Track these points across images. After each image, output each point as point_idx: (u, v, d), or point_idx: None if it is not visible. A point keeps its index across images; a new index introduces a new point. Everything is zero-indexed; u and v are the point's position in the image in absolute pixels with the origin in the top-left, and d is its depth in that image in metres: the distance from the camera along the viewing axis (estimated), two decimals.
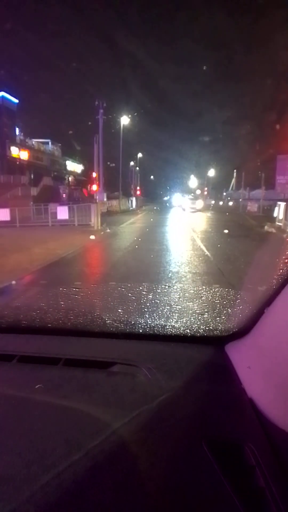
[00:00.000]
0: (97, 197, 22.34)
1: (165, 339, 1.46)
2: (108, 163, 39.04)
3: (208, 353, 1.33)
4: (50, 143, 49.76)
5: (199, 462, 0.81)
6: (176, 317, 1.74)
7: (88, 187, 40.24)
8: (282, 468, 0.81)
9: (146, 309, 1.89)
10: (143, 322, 1.56)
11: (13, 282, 5.75)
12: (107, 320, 1.61)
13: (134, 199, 47.14)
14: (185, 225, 19.94)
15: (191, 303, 2.09)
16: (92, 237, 13.86)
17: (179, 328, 1.52)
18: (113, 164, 41.71)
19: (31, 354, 1.34)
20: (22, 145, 41.53)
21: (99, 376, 1.18)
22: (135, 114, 40.04)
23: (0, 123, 36.91)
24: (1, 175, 34.45)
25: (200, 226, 19.54)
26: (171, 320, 1.66)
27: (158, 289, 2.46)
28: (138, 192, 54.69)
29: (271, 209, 21.15)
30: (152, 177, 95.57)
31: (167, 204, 52.14)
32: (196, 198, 42.25)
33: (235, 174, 35.15)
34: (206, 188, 54.60)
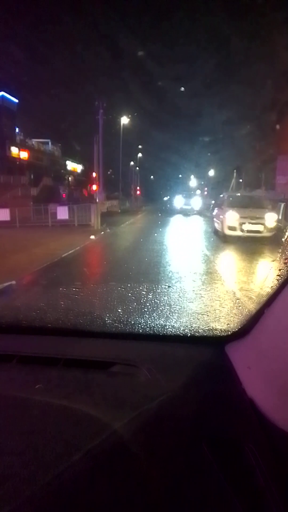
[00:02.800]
0: (97, 197, 22.33)
1: (165, 339, 1.46)
2: (109, 172, 36.77)
3: (208, 353, 1.33)
4: (50, 143, 49.76)
5: (199, 462, 0.81)
6: (176, 317, 1.74)
7: (88, 187, 40.17)
8: (282, 468, 0.81)
9: (146, 309, 1.89)
10: (143, 322, 1.56)
11: (13, 282, 5.75)
12: (107, 320, 1.61)
13: (134, 199, 47.03)
14: (184, 223, 19.90)
15: (191, 303, 2.09)
16: (92, 237, 13.85)
17: (179, 328, 1.52)
18: (111, 170, 39.65)
19: (31, 354, 1.34)
20: (22, 145, 41.50)
21: (99, 376, 1.18)
22: (135, 114, 39.63)
23: (0, 123, 36.89)
24: (1, 175, 34.40)
25: (198, 224, 19.53)
26: (171, 320, 1.66)
27: (158, 289, 2.46)
28: (138, 192, 54.72)
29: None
30: (152, 177, 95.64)
31: (168, 205, 44.18)
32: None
33: (235, 174, 33.94)
34: (206, 188, 54.46)
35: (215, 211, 14.60)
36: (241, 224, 11.34)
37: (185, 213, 28.99)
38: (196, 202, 32.52)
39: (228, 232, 11.56)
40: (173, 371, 1.18)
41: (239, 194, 16.54)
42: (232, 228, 11.46)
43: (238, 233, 11.34)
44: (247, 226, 11.28)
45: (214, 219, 14.25)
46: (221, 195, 16.21)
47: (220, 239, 12.31)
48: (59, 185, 42.08)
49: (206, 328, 1.47)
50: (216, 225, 13.63)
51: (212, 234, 13.91)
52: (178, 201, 33.59)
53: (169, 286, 4.96)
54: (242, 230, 11.30)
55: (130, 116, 37.76)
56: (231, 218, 11.55)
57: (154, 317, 1.68)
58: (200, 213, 29.49)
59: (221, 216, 12.51)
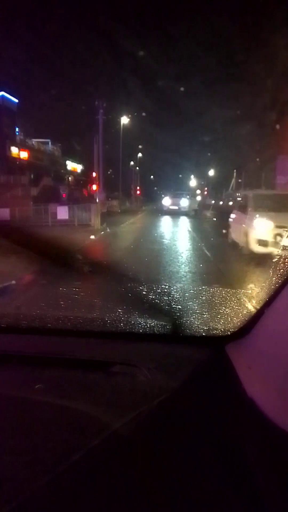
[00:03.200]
0: (97, 197, 22.33)
1: (165, 339, 1.46)
2: (109, 172, 36.38)
3: (208, 353, 1.33)
4: (50, 143, 49.76)
5: (199, 462, 0.81)
6: (176, 317, 1.74)
7: (88, 187, 40.18)
8: (282, 468, 0.81)
9: (146, 309, 1.89)
10: (143, 322, 1.55)
11: (13, 282, 5.74)
12: (107, 320, 1.60)
13: (134, 199, 47.09)
14: (184, 224, 19.94)
15: (191, 303, 2.08)
16: (92, 237, 13.84)
17: (179, 328, 1.51)
18: (111, 170, 39.22)
19: (31, 354, 1.34)
20: (22, 145, 41.48)
21: (99, 376, 1.18)
22: (135, 114, 39.51)
23: (0, 123, 36.88)
24: (1, 175, 34.39)
25: (198, 224, 19.56)
26: (171, 320, 1.66)
27: (158, 289, 2.46)
28: (138, 192, 54.78)
29: None
30: (152, 177, 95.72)
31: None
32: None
33: (235, 174, 33.77)
34: (206, 188, 54.51)
35: (233, 215, 10.41)
36: (276, 236, 7.49)
37: (175, 213, 28.48)
38: (184, 202, 32.50)
39: (256, 248, 7.76)
40: (173, 371, 1.18)
41: (270, 193, 11.25)
42: (263, 243, 7.65)
43: (272, 249, 7.35)
44: (285, 240, 7.19)
45: (231, 227, 10.28)
46: (240, 194, 11.28)
47: (241, 255, 8.38)
48: (59, 185, 42.03)
49: (206, 328, 1.47)
50: (234, 235, 9.76)
51: (223, 241, 10.71)
52: (166, 201, 33.51)
53: (169, 286, 4.95)
54: (278, 246, 7.27)
55: (130, 116, 37.73)
56: (262, 228, 7.76)
57: (154, 317, 1.67)
58: (197, 213, 29.23)
59: (243, 225, 8.70)
